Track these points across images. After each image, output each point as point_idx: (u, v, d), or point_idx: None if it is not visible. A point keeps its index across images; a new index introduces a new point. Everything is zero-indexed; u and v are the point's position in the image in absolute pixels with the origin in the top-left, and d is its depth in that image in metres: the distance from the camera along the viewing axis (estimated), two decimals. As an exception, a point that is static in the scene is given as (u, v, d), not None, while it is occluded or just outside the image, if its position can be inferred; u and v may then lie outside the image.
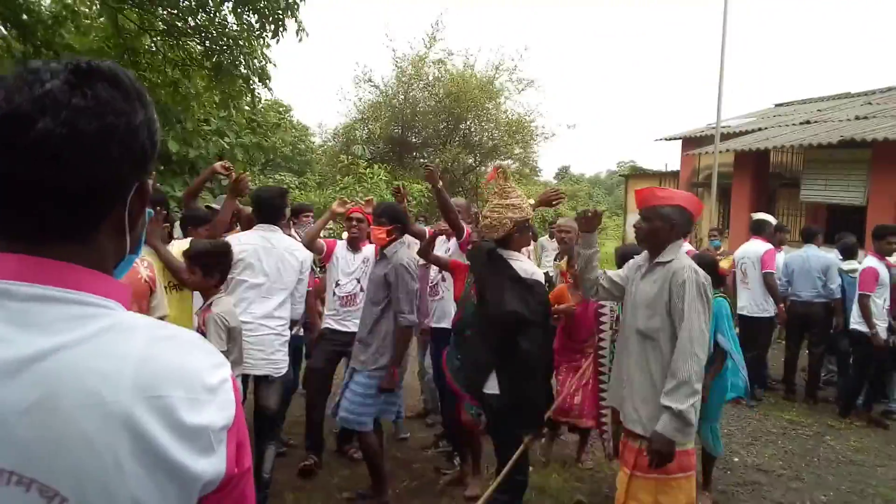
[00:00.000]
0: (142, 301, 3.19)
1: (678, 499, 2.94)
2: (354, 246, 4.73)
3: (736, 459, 5.29)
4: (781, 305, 6.83)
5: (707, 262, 4.07)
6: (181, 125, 9.04)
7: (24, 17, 7.43)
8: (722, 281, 5.00)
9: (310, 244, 4.48)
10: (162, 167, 12.98)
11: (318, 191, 16.26)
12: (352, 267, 4.68)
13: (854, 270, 6.90)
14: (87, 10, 8.77)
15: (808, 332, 7.08)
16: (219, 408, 0.79)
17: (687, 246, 6.01)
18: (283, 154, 21.99)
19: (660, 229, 3.03)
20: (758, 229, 7.10)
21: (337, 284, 4.67)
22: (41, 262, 0.77)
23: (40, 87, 0.76)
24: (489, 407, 3.61)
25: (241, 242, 3.88)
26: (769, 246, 6.93)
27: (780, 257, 7.23)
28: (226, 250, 3.40)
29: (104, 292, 0.79)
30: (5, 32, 8.22)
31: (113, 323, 0.77)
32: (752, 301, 6.88)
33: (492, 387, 3.53)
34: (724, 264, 8.43)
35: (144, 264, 3.29)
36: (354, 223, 4.70)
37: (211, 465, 0.77)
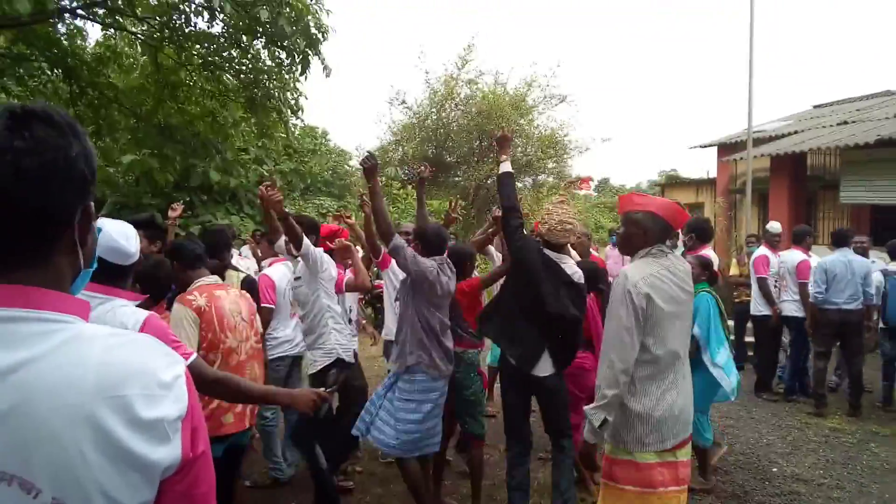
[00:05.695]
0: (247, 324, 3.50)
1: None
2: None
3: (774, 469, 5.21)
4: (775, 307, 7.28)
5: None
6: (221, 156, 9.35)
7: (69, 60, 7.85)
8: (715, 280, 5.04)
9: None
10: (205, 197, 13.40)
11: (357, 213, 16.27)
12: None
13: None
14: (128, 49, 9.22)
15: (843, 340, 6.87)
16: (173, 401, 0.90)
17: None
18: (322, 179, 22.31)
19: (632, 235, 2.99)
20: (800, 239, 7.53)
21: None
22: (5, 287, 0.88)
23: None
24: (540, 385, 3.92)
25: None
26: (804, 256, 7.30)
27: (814, 261, 7.15)
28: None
29: (63, 309, 0.90)
30: (52, 76, 8.71)
31: (73, 335, 0.88)
32: (797, 303, 7.25)
33: (545, 369, 3.88)
34: (733, 270, 8.69)
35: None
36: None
37: (168, 452, 0.88)
